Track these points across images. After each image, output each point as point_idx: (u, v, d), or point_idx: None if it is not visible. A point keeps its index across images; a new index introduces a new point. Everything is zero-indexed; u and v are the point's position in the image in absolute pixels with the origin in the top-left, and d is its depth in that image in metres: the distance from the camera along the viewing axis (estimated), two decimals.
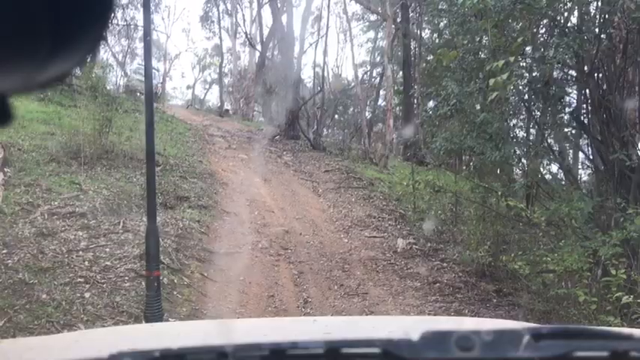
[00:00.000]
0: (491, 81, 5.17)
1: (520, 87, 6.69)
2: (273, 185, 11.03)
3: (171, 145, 11.17)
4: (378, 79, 30.85)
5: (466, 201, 9.00)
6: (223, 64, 36.97)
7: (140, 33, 37.60)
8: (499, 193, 7.21)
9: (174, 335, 1.48)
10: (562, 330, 0.95)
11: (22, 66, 0.50)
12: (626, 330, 1.24)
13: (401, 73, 20.71)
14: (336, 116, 28.88)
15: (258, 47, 25.74)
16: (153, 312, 4.23)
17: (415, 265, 7.90)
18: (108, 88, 11.28)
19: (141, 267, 5.38)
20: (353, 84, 30.11)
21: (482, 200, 7.87)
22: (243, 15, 30.78)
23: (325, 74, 18.66)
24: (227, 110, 28.40)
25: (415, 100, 20.44)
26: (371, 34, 32.56)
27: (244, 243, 7.32)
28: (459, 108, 6.14)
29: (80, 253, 5.72)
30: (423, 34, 21.32)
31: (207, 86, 38.93)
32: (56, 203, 6.69)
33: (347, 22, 25.66)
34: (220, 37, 29.63)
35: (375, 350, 0.83)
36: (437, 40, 11.12)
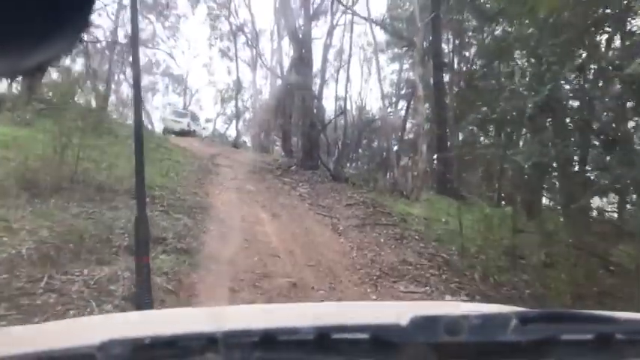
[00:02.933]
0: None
1: None
2: (283, 222, 8.95)
3: (161, 174, 9.29)
4: (404, 111, 29.28)
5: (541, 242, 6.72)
6: (244, 98, 35.98)
7: (162, 68, 37.31)
8: None
9: (165, 322, 1.42)
10: (548, 314, 0.96)
11: (7, 51, 0.51)
12: (611, 313, 1.08)
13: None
14: (360, 150, 27.16)
15: (279, 79, 24.42)
16: (142, 299, 4.18)
17: None
18: (79, 101, 9.63)
19: None
20: (377, 116, 28.68)
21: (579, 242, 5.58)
22: (258, 50, 29.69)
23: (348, 104, 16.91)
24: (244, 142, 26.94)
25: (447, 129, 18.46)
26: (395, 65, 31.18)
27: (230, 305, 5.21)
28: (552, 99, 4.05)
29: None
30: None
31: (228, 121, 37.91)
32: None
33: (373, 52, 24.27)
34: (237, 69, 28.33)
35: (365, 335, 0.85)
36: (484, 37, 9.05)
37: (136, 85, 4.95)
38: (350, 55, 21.45)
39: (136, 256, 4.42)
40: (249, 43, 29.80)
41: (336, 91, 21.43)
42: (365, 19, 20.96)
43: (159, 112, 40.53)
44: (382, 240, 8.73)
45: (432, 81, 16.72)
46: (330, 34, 24.03)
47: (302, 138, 15.39)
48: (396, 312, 0.95)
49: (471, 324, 0.83)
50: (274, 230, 8.25)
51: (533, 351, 0.85)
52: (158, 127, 35.91)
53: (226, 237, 7.23)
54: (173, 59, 33.74)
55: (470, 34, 19.33)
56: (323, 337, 0.84)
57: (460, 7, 16.89)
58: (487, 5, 17.33)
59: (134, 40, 5.69)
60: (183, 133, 22.68)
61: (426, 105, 13.58)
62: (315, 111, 14.86)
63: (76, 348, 0.90)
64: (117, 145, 10.64)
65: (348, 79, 20.81)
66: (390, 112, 30.67)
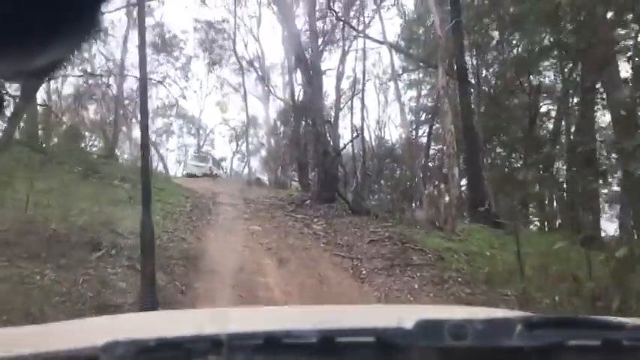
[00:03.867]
0: None
1: None
2: (291, 269, 7.22)
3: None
4: (426, 137, 27.73)
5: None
6: (259, 134, 34.96)
7: (175, 109, 36.79)
8: None
9: (169, 324, 1.46)
10: (554, 319, 0.96)
11: (11, 53, 0.50)
12: (618, 319, 1.06)
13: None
14: (382, 180, 25.55)
15: (292, 112, 23.23)
16: (147, 301, 4.24)
17: None
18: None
19: None
20: (397, 144, 27.25)
21: None
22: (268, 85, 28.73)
23: (366, 133, 15.35)
24: (258, 179, 25.54)
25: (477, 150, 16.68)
26: (413, 92, 29.84)
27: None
28: None
29: None
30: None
31: (244, 158, 36.84)
32: None
33: (390, 76, 22.93)
34: (246, 106, 27.31)
35: (369, 339, 0.84)
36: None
37: (144, 130, 5.28)
38: (364, 83, 20.12)
39: (142, 260, 4.57)
40: (261, 78, 28.99)
41: (352, 120, 19.90)
42: (380, 42, 19.73)
43: (174, 155, 39.97)
44: (416, 285, 6.92)
45: (457, 98, 15.09)
46: (342, 61, 22.84)
47: (316, 169, 13.80)
48: (400, 315, 0.93)
49: (476, 328, 0.82)
50: (279, 281, 6.53)
51: (539, 357, 0.83)
52: (174, 170, 35.27)
53: (213, 296, 5.53)
54: (185, 99, 33.08)
55: (493, 44, 17.78)
56: (327, 341, 0.84)
57: (480, 17, 15.42)
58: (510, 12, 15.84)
59: (143, 87, 5.74)
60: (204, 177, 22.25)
61: (451, 125, 11.91)
62: (328, 138, 13.32)
63: (80, 349, 0.90)
64: (108, 189, 9.27)
65: (363, 106, 19.33)
66: (412, 139, 29.20)
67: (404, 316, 0.88)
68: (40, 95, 24.96)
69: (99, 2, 0.53)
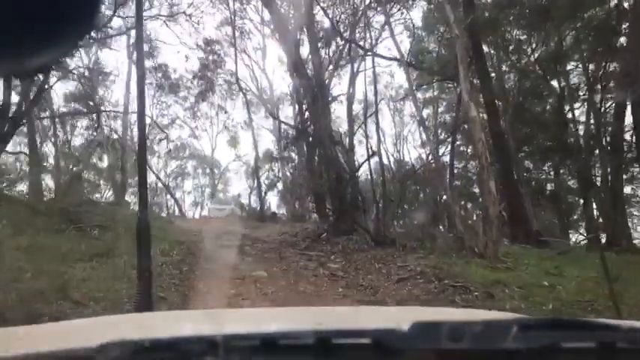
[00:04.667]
0: None
1: None
2: None
3: (117, 274, 6.28)
4: (448, 157, 26.28)
5: None
6: (276, 169, 33.81)
7: (188, 152, 36.10)
8: None
9: (165, 325, 1.45)
10: (549, 321, 0.96)
11: (11, 51, 0.52)
12: (613, 321, 1.11)
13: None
14: (405, 205, 23.89)
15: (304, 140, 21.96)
16: (144, 301, 4.45)
17: None
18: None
19: None
20: (418, 165, 25.94)
21: None
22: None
23: (383, 156, 13.88)
24: (274, 214, 24.12)
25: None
26: (429, 110, 28.39)
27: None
28: None
29: None
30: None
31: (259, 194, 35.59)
32: None
33: (404, 96, 21.59)
34: (254, 139, 26.33)
35: (366, 340, 0.84)
36: None
37: (142, 179, 5.45)
38: (377, 102, 18.74)
39: (138, 258, 4.86)
40: (270, 110, 28.06)
41: (367, 142, 18.43)
42: (392, 59, 18.45)
43: (191, 197, 38.93)
44: None
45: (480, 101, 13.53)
46: (352, 83, 21.62)
47: (331, 196, 12.27)
48: (397, 317, 0.97)
49: (472, 331, 0.82)
50: None
51: (535, 359, 0.85)
52: (192, 212, 34.29)
53: None
54: (196, 139, 32.33)
55: (513, 47, 16.31)
56: (324, 342, 0.83)
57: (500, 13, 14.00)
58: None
59: (142, 139, 6.07)
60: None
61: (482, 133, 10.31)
62: (341, 161, 11.86)
63: (75, 350, 0.90)
64: (85, 241, 7.95)
65: (378, 127, 17.87)
66: (435, 156, 27.74)
67: (401, 318, 0.93)
68: (49, 149, 24.57)
69: (96, 5, 0.56)
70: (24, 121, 13.27)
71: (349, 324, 1.23)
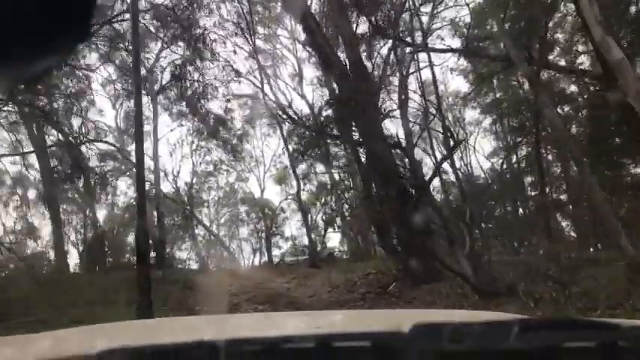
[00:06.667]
0: None
1: None
2: None
3: None
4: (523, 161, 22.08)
5: None
6: (331, 200, 30.58)
7: (238, 196, 33.73)
8: None
9: (165, 331, 1.43)
10: (550, 321, 0.94)
11: (6, 60, 0.51)
12: (613, 321, 1.06)
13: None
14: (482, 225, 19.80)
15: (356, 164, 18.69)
16: (144, 307, 4.57)
17: None
18: None
19: None
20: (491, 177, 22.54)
21: None
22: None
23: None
24: (330, 254, 20.67)
25: None
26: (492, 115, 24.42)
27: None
28: None
29: None
30: None
31: (319, 233, 32.30)
32: None
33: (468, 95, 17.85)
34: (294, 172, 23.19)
35: (367, 343, 0.83)
36: None
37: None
38: (439, 102, 15.19)
39: (137, 265, 4.94)
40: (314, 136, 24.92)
41: (433, 153, 14.70)
42: (448, 50, 15.01)
43: (249, 245, 36.18)
44: None
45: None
46: (402, 85, 18.06)
47: (394, 222, 8.63)
48: (397, 320, 0.92)
49: (472, 332, 0.81)
50: None
51: (536, 359, 0.83)
52: (249, 260, 31.64)
53: None
54: (245, 182, 29.91)
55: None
56: (324, 345, 0.82)
57: None
58: None
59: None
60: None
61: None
62: (403, 171, 8.35)
63: (77, 356, 0.88)
64: None
65: (443, 123, 14.07)
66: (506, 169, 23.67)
67: (401, 321, 0.88)
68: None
69: (89, 13, 0.54)
70: None
71: (350, 327, 1.25)
